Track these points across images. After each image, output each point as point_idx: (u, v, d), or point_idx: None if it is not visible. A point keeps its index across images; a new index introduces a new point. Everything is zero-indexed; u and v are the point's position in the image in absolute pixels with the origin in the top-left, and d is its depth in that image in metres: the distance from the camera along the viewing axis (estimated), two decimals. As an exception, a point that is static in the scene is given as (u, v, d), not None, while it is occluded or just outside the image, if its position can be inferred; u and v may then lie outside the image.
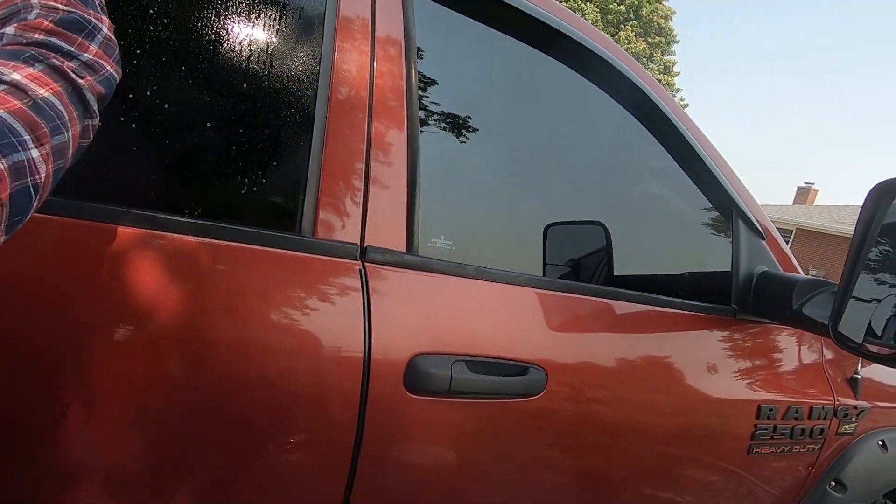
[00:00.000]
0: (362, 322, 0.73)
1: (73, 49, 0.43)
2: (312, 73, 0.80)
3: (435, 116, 0.95)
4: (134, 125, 0.73)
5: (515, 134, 1.03)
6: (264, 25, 0.81)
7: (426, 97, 0.93)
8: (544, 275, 1.08)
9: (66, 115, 0.41)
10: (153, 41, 0.72)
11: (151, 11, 0.72)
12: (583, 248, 1.18)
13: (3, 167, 0.34)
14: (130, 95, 0.71)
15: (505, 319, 0.85)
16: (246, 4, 0.80)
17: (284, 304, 0.70)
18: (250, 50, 0.79)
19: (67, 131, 0.41)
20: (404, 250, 0.79)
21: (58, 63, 0.41)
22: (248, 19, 0.80)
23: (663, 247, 1.21)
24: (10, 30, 0.41)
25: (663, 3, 21.96)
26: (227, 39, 0.77)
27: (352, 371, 0.72)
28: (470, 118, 1.00)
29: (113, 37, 0.48)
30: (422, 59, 0.93)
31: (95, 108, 0.45)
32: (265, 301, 0.69)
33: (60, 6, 0.43)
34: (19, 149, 0.36)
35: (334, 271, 0.74)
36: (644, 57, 21.91)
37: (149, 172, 0.72)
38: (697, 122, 1.04)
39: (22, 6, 0.42)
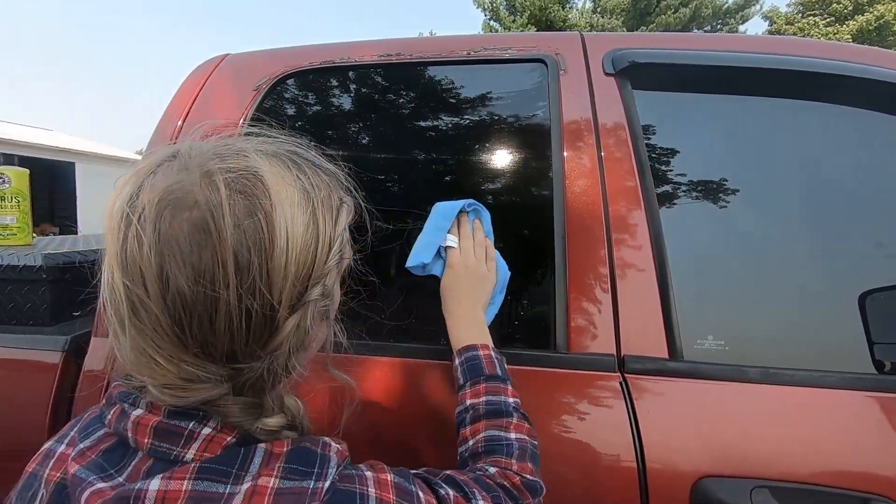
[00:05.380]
0: (631, 438, 0.70)
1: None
2: (546, 191, 0.87)
3: (676, 201, 0.89)
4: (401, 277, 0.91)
5: (782, 195, 0.87)
6: (499, 160, 0.93)
7: (666, 181, 0.89)
8: (874, 364, 0.84)
9: None
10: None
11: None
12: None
13: None
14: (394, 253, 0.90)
15: (816, 433, 0.68)
16: (482, 146, 0.95)
17: (548, 421, 0.72)
18: (492, 184, 0.92)
19: None
20: (667, 356, 0.74)
21: None
22: (487, 160, 0.94)
23: None
24: (493, 469, 0.54)
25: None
26: (469, 179, 0.92)
27: (627, 491, 0.68)
28: (717, 191, 0.90)
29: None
30: (651, 144, 0.90)
31: None
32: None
33: (528, 476, 0.55)
34: None
35: (593, 385, 0.73)
36: None
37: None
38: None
39: (505, 443, 0.57)
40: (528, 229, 0.90)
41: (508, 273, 0.79)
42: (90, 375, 0.84)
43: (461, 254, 0.74)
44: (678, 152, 0.91)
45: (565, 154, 0.87)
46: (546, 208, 0.85)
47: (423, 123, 1.02)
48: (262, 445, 0.39)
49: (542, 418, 0.72)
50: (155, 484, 0.36)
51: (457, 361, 0.68)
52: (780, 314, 0.80)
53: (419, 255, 0.74)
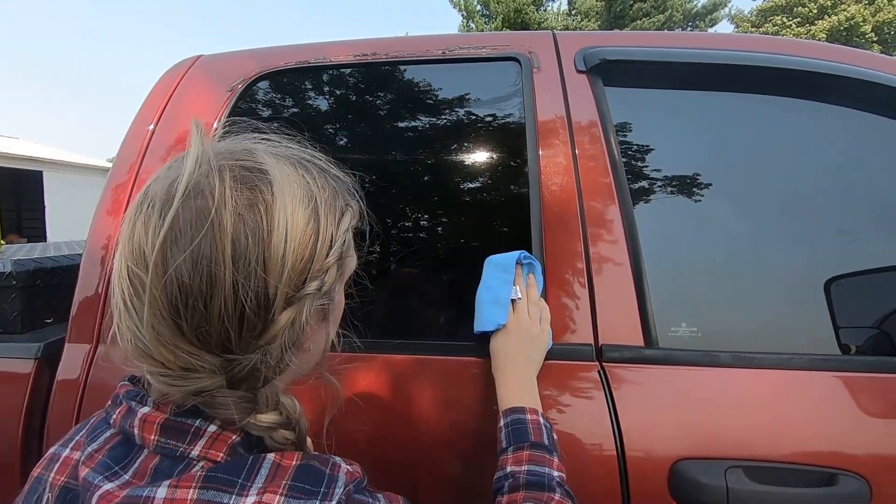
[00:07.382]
0: (610, 424, 0.71)
1: None
2: (523, 186, 0.88)
3: (649, 193, 0.92)
4: (404, 274, 0.91)
5: (750, 187, 0.90)
6: (475, 157, 0.95)
7: (638, 175, 0.92)
8: (839, 346, 0.87)
9: None
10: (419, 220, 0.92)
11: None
12: (892, 302, 0.91)
13: None
14: (393, 256, 0.90)
15: (786, 414, 0.70)
16: (457, 144, 0.96)
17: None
18: (469, 181, 0.93)
19: None
20: (643, 344, 0.75)
21: None
22: (463, 157, 0.95)
23: None
24: None
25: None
26: (446, 177, 0.93)
27: (608, 479, 0.69)
28: (688, 185, 0.93)
29: None
30: (623, 140, 0.93)
31: None
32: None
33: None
34: None
35: (572, 374, 0.75)
36: None
37: (418, 308, 0.89)
38: None
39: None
40: (505, 224, 0.91)
41: (551, 339, 0.75)
42: (64, 383, 0.82)
43: (515, 312, 0.73)
44: (650, 147, 0.94)
45: (540, 150, 0.89)
46: (523, 204, 0.86)
47: (399, 123, 1.03)
48: (271, 456, 0.39)
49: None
50: (162, 492, 0.36)
51: (502, 422, 0.65)
52: (750, 300, 0.82)
53: (496, 317, 0.71)
